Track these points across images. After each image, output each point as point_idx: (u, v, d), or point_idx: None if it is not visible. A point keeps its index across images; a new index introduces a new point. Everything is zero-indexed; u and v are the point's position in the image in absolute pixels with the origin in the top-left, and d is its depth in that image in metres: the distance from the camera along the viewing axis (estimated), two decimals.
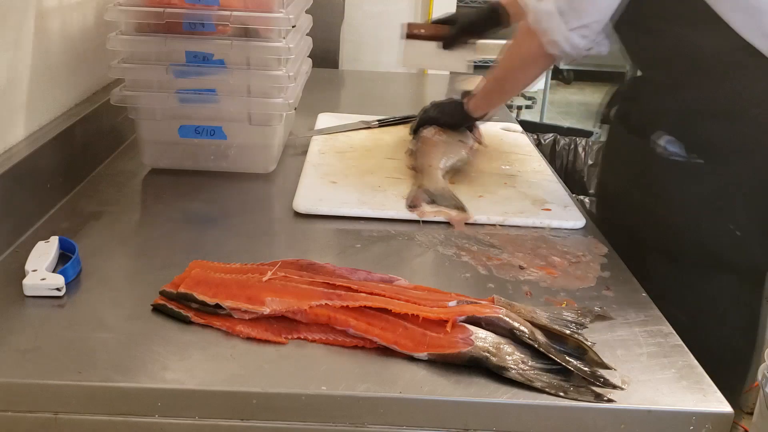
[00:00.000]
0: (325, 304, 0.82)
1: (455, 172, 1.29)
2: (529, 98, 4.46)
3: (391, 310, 0.81)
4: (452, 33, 1.49)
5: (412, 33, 1.53)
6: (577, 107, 5.69)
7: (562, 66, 6.08)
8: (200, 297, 0.84)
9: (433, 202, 1.16)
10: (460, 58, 1.51)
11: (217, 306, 0.83)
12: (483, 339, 0.78)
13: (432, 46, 1.51)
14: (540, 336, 0.80)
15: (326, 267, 0.93)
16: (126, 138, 1.43)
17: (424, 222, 1.13)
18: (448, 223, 1.13)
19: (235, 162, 1.30)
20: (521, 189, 1.26)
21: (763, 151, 1.04)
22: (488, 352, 0.77)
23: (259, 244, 1.05)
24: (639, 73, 1.20)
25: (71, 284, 0.90)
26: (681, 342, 0.85)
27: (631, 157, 1.17)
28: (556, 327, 0.82)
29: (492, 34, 1.52)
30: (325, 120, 1.58)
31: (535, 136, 2.73)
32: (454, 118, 1.39)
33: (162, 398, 0.73)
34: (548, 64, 1.19)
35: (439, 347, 0.78)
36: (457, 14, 1.54)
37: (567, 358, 0.78)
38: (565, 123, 3.91)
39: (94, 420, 0.74)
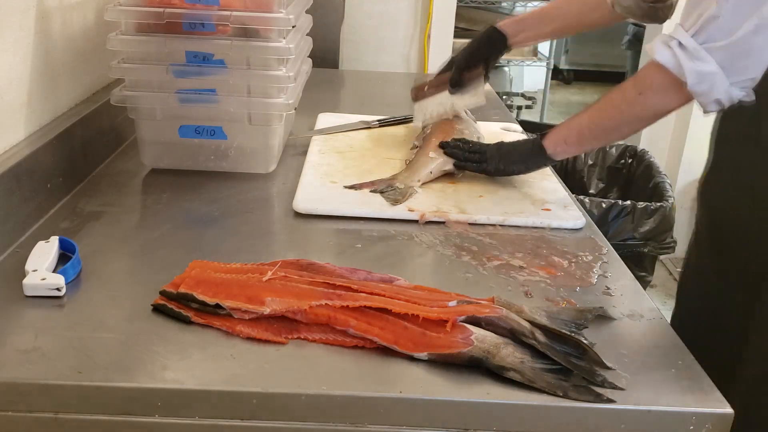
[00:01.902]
0: (325, 304, 0.82)
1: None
2: (529, 98, 4.47)
3: (391, 310, 0.81)
4: (452, 75, 1.42)
5: (420, 95, 1.49)
6: (577, 107, 5.67)
7: (562, 66, 6.08)
8: (200, 297, 0.84)
9: (382, 192, 1.19)
10: (473, 94, 1.45)
11: (217, 306, 0.83)
12: (483, 339, 0.78)
13: (442, 95, 1.46)
14: (540, 336, 0.80)
15: (326, 267, 0.93)
16: (126, 138, 1.43)
17: (426, 222, 1.13)
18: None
19: (235, 162, 1.30)
20: (521, 189, 1.26)
21: None
22: (488, 352, 0.77)
23: (259, 244, 1.06)
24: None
25: (71, 284, 0.90)
26: (681, 342, 0.85)
27: (752, 178, 1.10)
28: (556, 327, 0.82)
29: (497, 59, 1.47)
30: (325, 120, 1.58)
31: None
32: (527, 164, 1.25)
33: (162, 398, 0.73)
34: (670, 113, 1.10)
35: (439, 347, 0.78)
36: (452, 57, 1.47)
37: (567, 358, 0.78)
38: None
39: (94, 420, 0.74)
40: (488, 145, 1.28)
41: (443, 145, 1.29)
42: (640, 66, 3.16)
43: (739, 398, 0.81)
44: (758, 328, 1.11)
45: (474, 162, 1.26)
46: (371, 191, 1.21)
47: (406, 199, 1.18)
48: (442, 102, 1.45)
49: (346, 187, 1.22)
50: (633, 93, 1.08)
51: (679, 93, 1.01)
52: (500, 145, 1.27)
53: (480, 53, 1.42)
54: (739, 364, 1.14)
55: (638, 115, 1.09)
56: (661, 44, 1.00)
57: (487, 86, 2.07)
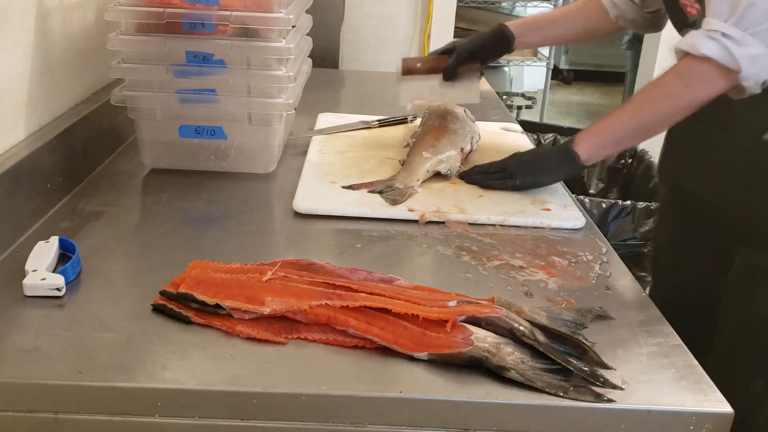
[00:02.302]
0: (325, 304, 0.82)
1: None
2: (529, 98, 4.47)
3: (391, 310, 0.81)
4: (451, 63, 1.40)
5: (409, 69, 1.43)
6: (577, 107, 5.69)
7: (562, 66, 6.08)
8: (200, 297, 0.84)
9: (381, 193, 1.19)
10: (467, 89, 1.42)
11: (217, 306, 0.83)
12: (483, 339, 0.78)
13: (433, 80, 1.42)
14: (540, 336, 0.80)
15: (326, 267, 0.93)
16: (126, 138, 1.43)
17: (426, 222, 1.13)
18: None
19: (235, 162, 1.30)
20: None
21: None
22: (488, 352, 0.77)
23: (259, 244, 1.06)
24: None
25: (71, 284, 0.90)
26: (681, 342, 0.85)
27: (729, 154, 1.16)
28: (556, 327, 0.82)
29: (496, 59, 1.47)
30: (325, 120, 1.58)
31: (535, 136, 2.73)
32: (557, 174, 1.23)
33: (162, 398, 0.73)
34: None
35: (439, 347, 0.78)
36: (455, 43, 1.46)
37: (567, 358, 0.78)
38: (566, 123, 3.91)
39: (94, 420, 0.74)
40: (508, 159, 1.25)
41: (463, 177, 1.26)
42: (641, 66, 3.16)
43: (717, 367, 0.83)
44: (729, 290, 1.18)
45: (500, 180, 1.23)
46: (369, 191, 1.21)
47: (406, 198, 1.18)
48: (432, 88, 1.42)
49: (344, 187, 1.22)
50: (679, 85, 1.08)
51: (727, 79, 1.04)
52: (521, 157, 1.25)
53: (484, 48, 1.43)
54: (715, 330, 1.18)
55: (684, 106, 1.09)
56: (705, 38, 1.02)
57: (487, 86, 2.08)
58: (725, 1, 1.01)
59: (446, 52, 1.44)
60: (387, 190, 1.20)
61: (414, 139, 1.37)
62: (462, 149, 1.34)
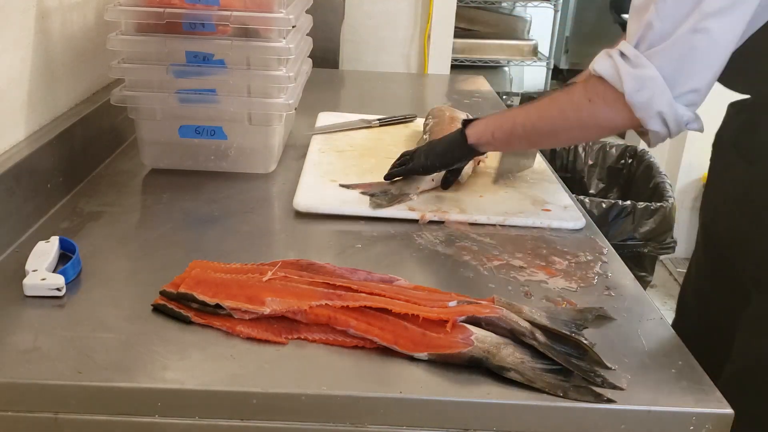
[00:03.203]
0: (326, 304, 0.82)
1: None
2: (529, 98, 4.46)
3: (391, 310, 0.81)
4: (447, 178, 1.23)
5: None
6: None
7: (562, 66, 6.08)
8: (200, 297, 0.84)
9: (372, 196, 1.18)
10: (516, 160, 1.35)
11: (217, 306, 0.83)
12: (483, 339, 0.78)
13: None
14: (540, 336, 0.80)
15: (326, 267, 0.93)
16: (126, 138, 1.43)
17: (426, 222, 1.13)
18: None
19: (236, 162, 1.30)
20: (521, 189, 1.26)
21: None
22: (488, 352, 0.77)
23: (259, 244, 1.06)
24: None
25: (71, 284, 0.90)
26: (681, 342, 0.85)
27: (748, 188, 1.06)
28: (556, 327, 0.82)
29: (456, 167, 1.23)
30: (325, 119, 1.58)
31: None
32: (449, 157, 1.17)
33: (162, 398, 0.73)
34: (613, 133, 1.03)
35: (439, 347, 0.78)
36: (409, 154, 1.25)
37: (567, 358, 0.78)
38: None
39: (94, 420, 0.74)
40: (416, 149, 1.24)
41: (386, 175, 1.22)
42: None
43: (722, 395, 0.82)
44: (744, 329, 1.11)
45: (402, 166, 1.22)
46: (361, 192, 1.20)
47: (392, 204, 1.16)
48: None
49: (341, 185, 1.22)
50: (582, 98, 1.00)
51: (626, 109, 0.94)
52: (430, 143, 1.24)
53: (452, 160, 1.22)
54: (726, 364, 1.15)
55: (582, 121, 1.01)
56: (604, 56, 0.96)
57: (487, 86, 2.08)
58: (636, 20, 0.94)
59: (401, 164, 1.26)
60: (379, 194, 1.19)
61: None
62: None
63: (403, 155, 1.26)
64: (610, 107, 0.97)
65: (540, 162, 1.42)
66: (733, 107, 1.11)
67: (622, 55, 0.93)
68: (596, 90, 0.98)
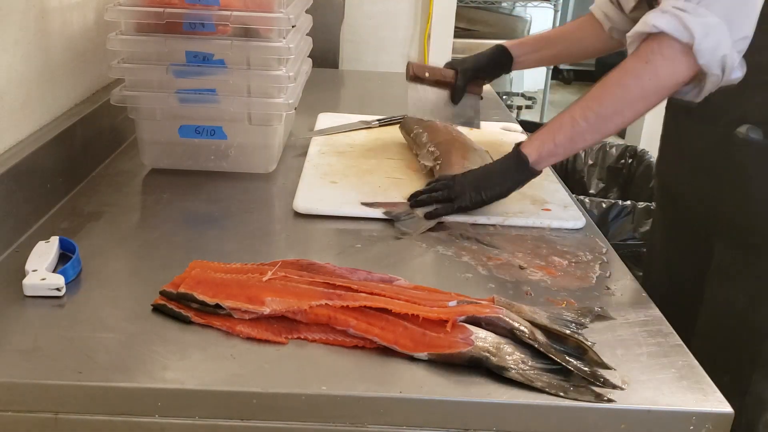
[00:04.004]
0: (325, 304, 0.82)
1: None
2: (529, 98, 4.47)
3: (391, 310, 0.81)
4: (459, 84, 1.38)
5: (417, 76, 1.39)
6: None
7: (562, 66, 6.08)
8: (200, 297, 0.84)
9: (397, 220, 1.11)
10: (469, 111, 1.41)
11: (217, 306, 0.83)
12: (483, 339, 0.78)
13: (438, 94, 1.40)
14: (540, 336, 0.80)
15: (326, 267, 0.93)
16: (126, 138, 1.43)
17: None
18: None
19: (235, 162, 1.30)
20: (521, 189, 1.26)
21: None
22: (488, 352, 0.77)
23: (259, 244, 1.05)
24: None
25: (71, 284, 0.90)
26: (681, 342, 0.85)
27: (704, 147, 1.17)
28: (556, 327, 0.82)
29: (493, 78, 1.47)
30: (325, 120, 1.58)
31: None
32: (507, 185, 1.11)
33: (162, 398, 0.73)
34: (675, 89, 1.04)
35: (439, 347, 0.78)
36: (457, 62, 1.42)
37: (567, 358, 0.78)
38: None
39: (94, 420, 0.74)
40: (453, 177, 1.14)
41: (412, 202, 1.14)
42: None
43: (694, 351, 0.85)
44: (711, 279, 1.20)
45: (443, 202, 1.12)
46: (384, 213, 1.13)
47: (419, 233, 1.08)
48: (438, 106, 1.40)
49: (363, 203, 1.15)
50: (638, 63, 1.02)
51: (687, 58, 0.98)
52: (466, 176, 1.14)
53: (485, 69, 1.42)
54: (695, 322, 1.22)
55: (644, 87, 1.02)
56: (659, 14, 0.99)
57: (488, 86, 2.07)
58: None
59: (451, 66, 1.42)
60: (404, 218, 1.11)
61: (437, 161, 1.26)
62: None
63: (434, 182, 1.16)
64: (670, 61, 1.00)
65: None
66: None
67: (678, 8, 0.97)
68: (652, 49, 1.01)
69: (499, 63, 1.42)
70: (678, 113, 1.21)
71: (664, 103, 1.23)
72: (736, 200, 1.14)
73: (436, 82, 1.41)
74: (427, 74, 1.40)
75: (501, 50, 1.42)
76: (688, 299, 1.25)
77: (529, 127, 2.38)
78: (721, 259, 1.18)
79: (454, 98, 1.40)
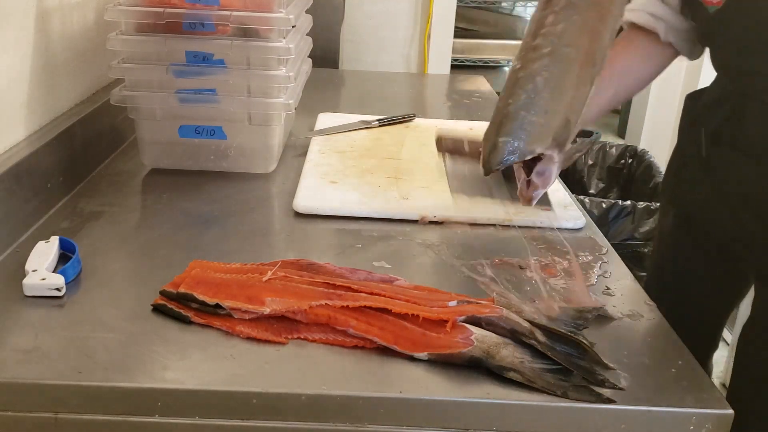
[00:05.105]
0: (326, 304, 0.82)
1: None
2: None
3: (391, 310, 0.81)
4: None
5: (453, 150, 1.18)
6: None
7: None
8: (200, 297, 0.84)
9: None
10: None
11: (217, 306, 0.83)
12: (483, 339, 0.78)
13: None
14: (540, 336, 0.80)
15: (326, 267, 0.93)
16: (126, 138, 1.43)
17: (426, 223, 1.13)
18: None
19: (235, 162, 1.30)
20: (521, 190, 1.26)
21: None
22: (488, 352, 0.77)
23: (259, 244, 1.06)
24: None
25: (71, 284, 0.90)
26: (681, 342, 0.85)
27: (744, 181, 1.03)
28: (556, 327, 0.82)
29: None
30: (325, 120, 1.58)
31: None
32: None
33: (162, 398, 0.73)
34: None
35: (439, 347, 0.78)
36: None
37: (567, 357, 0.78)
38: None
39: (94, 420, 0.74)
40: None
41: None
42: None
43: (739, 400, 0.82)
44: (746, 327, 1.11)
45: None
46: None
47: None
48: (486, 181, 1.12)
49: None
50: None
51: None
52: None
53: None
54: (710, 361, 1.17)
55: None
56: None
57: (488, 86, 2.07)
58: None
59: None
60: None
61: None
62: None
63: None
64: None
65: None
66: (694, 99, 1.14)
67: None
68: None
69: None
70: (712, 143, 1.07)
71: (662, 105, 1.20)
72: None
73: (474, 152, 1.12)
74: (466, 147, 1.18)
75: None
76: (708, 328, 1.20)
77: None
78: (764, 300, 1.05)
79: (507, 175, 1.11)
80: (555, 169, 0.88)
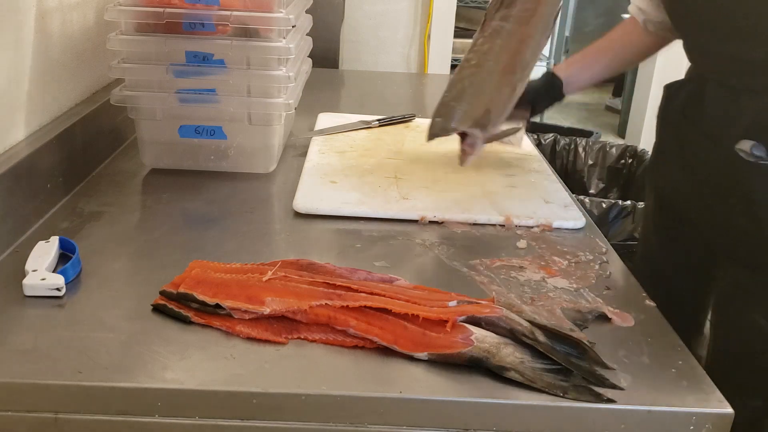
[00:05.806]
0: (325, 304, 0.82)
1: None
2: None
3: (391, 310, 0.81)
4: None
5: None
6: (577, 107, 5.69)
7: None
8: (200, 297, 0.84)
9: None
10: (511, 138, 1.34)
11: (217, 306, 0.83)
12: (483, 339, 0.78)
13: None
14: (540, 336, 0.80)
15: (326, 267, 0.93)
16: (126, 138, 1.43)
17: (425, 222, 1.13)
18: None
19: (235, 162, 1.30)
20: (521, 189, 1.26)
21: None
22: (488, 352, 0.77)
23: (259, 244, 1.06)
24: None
25: (71, 284, 0.90)
26: (681, 342, 0.85)
27: (709, 164, 1.10)
28: (556, 327, 0.82)
29: (547, 108, 1.39)
30: (325, 120, 1.58)
31: (535, 136, 2.73)
32: (541, 98, 1.29)
33: (162, 398, 0.73)
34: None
35: (439, 347, 0.78)
36: None
37: (567, 358, 0.78)
38: (566, 123, 3.91)
39: (94, 420, 0.74)
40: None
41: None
42: (641, 65, 3.16)
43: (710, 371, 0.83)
44: (718, 307, 1.17)
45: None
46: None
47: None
48: None
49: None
50: None
51: None
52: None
53: (534, 98, 1.32)
54: (698, 343, 1.21)
55: None
56: None
57: None
58: None
59: None
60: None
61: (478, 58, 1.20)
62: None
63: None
64: None
65: (540, 161, 1.42)
66: (669, 88, 1.21)
67: None
68: None
69: (550, 93, 1.33)
70: (674, 122, 1.16)
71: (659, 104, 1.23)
72: (747, 223, 1.06)
73: None
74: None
75: (551, 78, 1.32)
76: (687, 315, 1.23)
77: (529, 127, 2.37)
78: (735, 279, 1.12)
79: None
80: (479, 143, 1.17)
